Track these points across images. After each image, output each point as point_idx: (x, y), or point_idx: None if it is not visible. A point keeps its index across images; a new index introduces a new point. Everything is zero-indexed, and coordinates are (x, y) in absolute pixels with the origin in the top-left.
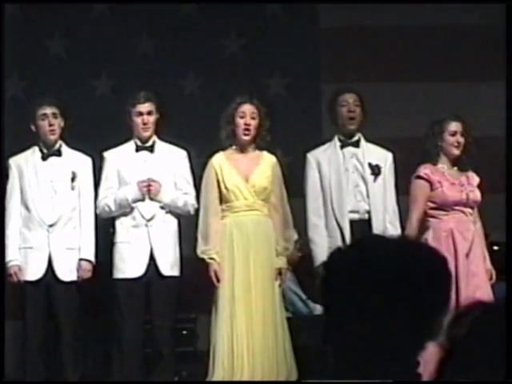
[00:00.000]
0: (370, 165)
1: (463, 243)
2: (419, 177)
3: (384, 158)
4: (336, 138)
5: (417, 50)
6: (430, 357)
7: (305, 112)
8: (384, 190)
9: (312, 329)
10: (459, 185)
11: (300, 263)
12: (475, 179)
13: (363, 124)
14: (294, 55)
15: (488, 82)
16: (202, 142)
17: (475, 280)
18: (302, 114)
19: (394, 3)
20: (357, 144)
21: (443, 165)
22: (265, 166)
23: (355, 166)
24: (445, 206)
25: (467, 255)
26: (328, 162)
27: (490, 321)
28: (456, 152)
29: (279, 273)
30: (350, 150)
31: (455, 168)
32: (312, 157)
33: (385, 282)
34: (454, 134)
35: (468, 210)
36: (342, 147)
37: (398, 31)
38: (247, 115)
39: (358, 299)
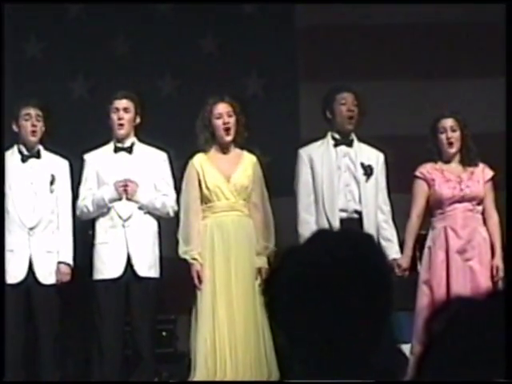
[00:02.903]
0: (362, 165)
1: (455, 240)
2: (416, 176)
3: (376, 158)
4: (329, 136)
5: (390, 48)
6: None
7: (283, 111)
8: (376, 190)
9: None
10: (456, 181)
11: None
12: (482, 174)
13: (359, 124)
14: (271, 55)
15: (485, 78)
16: (179, 144)
17: (470, 276)
18: (280, 114)
19: (372, 3)
20: (350, 143)
21: (442, 162)
22: (245, 165)
23: (347, 165)
24: (439, 204)
25: (462, 252)
26: (321, 159)
27: (468, 316)
28: (449, 149)
29: (259, 272)
30: (343, 148)
31: (458, 164)
32: (304, 153)
33: (323, 281)
34: (443, 131)
35: (466, 206)
36: (335, 145)
37: (374, 29)
38: (224, 114)
39: (302, 306)
